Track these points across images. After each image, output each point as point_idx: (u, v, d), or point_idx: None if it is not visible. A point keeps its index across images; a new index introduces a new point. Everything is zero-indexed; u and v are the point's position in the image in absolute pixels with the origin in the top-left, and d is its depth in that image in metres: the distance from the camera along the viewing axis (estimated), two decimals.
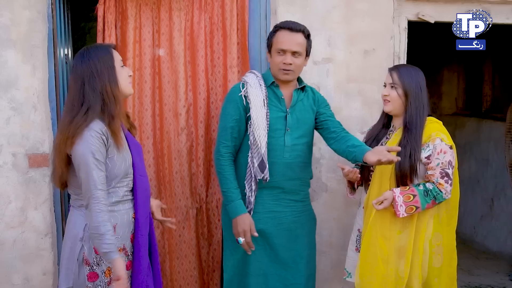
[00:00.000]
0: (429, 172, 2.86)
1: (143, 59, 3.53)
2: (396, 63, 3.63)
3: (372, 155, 2.67)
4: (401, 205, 2.80)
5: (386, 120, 3.11)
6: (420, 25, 3.84)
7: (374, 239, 2.90)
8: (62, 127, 2.49)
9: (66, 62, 3.67)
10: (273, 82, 3.04)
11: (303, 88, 3.11)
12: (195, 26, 3.55)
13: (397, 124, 3.02)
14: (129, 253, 2.62)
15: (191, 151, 3.60)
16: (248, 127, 2.99)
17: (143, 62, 3.53)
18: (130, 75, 2.64)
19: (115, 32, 3.48)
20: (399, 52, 3.67)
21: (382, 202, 2.82)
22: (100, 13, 3.44)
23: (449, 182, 2.83)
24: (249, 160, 2.98)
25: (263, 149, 2.94)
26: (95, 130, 2.42)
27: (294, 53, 2.96)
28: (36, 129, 3.39)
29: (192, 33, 3.55)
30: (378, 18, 3.63)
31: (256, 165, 2.95)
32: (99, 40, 3.45)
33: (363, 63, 3.63)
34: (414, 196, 2.80)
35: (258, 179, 2.96)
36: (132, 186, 2.63)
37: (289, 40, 2.95)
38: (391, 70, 3.01)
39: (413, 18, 3.70)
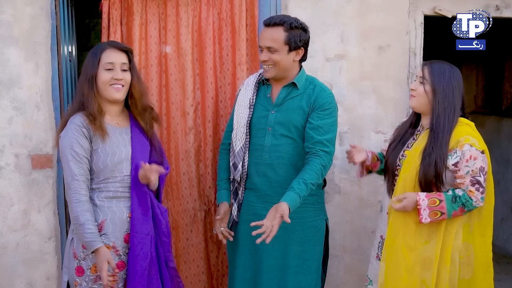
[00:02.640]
0: (458, 181, 2.65)
1: (149, 56, 3.44)
2: (412, 59, 3.52)
3: (266, 218, 2.57)
4: (424, 209, 2.61)
5: (414, 118, 2.91)
6: (437, 20, 3.71)
7: (398, 248, 2.73)
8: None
9: (70, 59, 3.59)
10: (263, 80, 2.98)
11: (294, 85, 2.91)
12: (203, 22, 3.45)
13: (426, 123, 2.81)
14: (121, 253, 2.61)
15: (199, 152, 3.50)
16: None
17: (149, 59, 3.44)
18: (116, 79, 2.60)
19: (120, 28, 3.39)
20: (415, 48, 3.55)
21: (401, 202, 2.66)
22: (105, 9, 3.36)
23: (481, 189, 2.63)
24: None
25: (237, 149, 2.94)
26: (75, 123, 2.52)
27: (269, 49, 2.83)
28: (39, 129, 3.33)
29: (200, 30, 3.45)
30: (393, 12, 3.50)
31: (231, 164, 3.00)
32: (104, 37, 3.37)
33: (378, 60, 3.51)
34: (441, 201, 2.62)
35: (231, 178, 3.02)
36: (129, 183, 2.63)
37: (264, 37, 2.85)
38: (424, 64, 2.81)
39: (429, 12, 3.57)
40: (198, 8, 3.44)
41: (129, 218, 2.61)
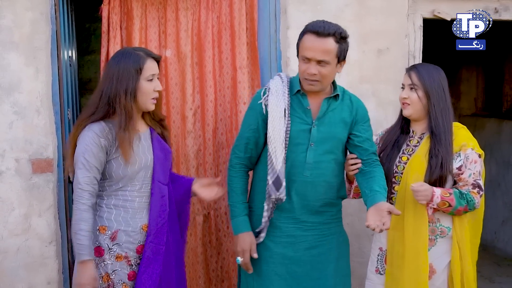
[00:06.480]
0: (461, 184, 2.67)
1: None
2: (412, 62, 3.51)
3: (371, 218, 2.47)
4: (437, 197, 2.61)
5: (404, 124, 2.88)
6: (436, 22, 3.70)
7: (401, 255, 2.74)
8: (77, 121, 2.57)
9: (70, 64, 3.60)
10: (299, 90, 2.69)
11: (336, 96, 2.74)
12: (203, 26, 3.45)
13: (418, 129, 2.81)
14: (133, 263, 2.58)
15: (198, 155, 3.51)
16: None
17: None
18: (157, 90, 2.57)
19: (120, 33, 3.39)
20: (414, 51, 3.55)
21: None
22: (104, 13, 3.36)
23: (481, 193, 2.66)
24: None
25: (279, 165, 2.61)
26: (93, 131, 2.45)
27: (319, 62, 2.57)
28: (39, 133, 3.33)
29: (199, 33, 3.46)
30: (392, 16, 3.51)
31: (270, 182, 2.62)
32: (104, 42, 3.37)
33: (377, 63, 3.51)
34: (450, 194, 2.63)
35: (273, 198, 2.64)
36: (147, 193, 2.61)
37: (315, 47, 2.55)
38: (409, 70, 2.79)
39: (428, 15, 3.57)
40: (197, 12, 3.45)
41: (142, 230, 2.58)
